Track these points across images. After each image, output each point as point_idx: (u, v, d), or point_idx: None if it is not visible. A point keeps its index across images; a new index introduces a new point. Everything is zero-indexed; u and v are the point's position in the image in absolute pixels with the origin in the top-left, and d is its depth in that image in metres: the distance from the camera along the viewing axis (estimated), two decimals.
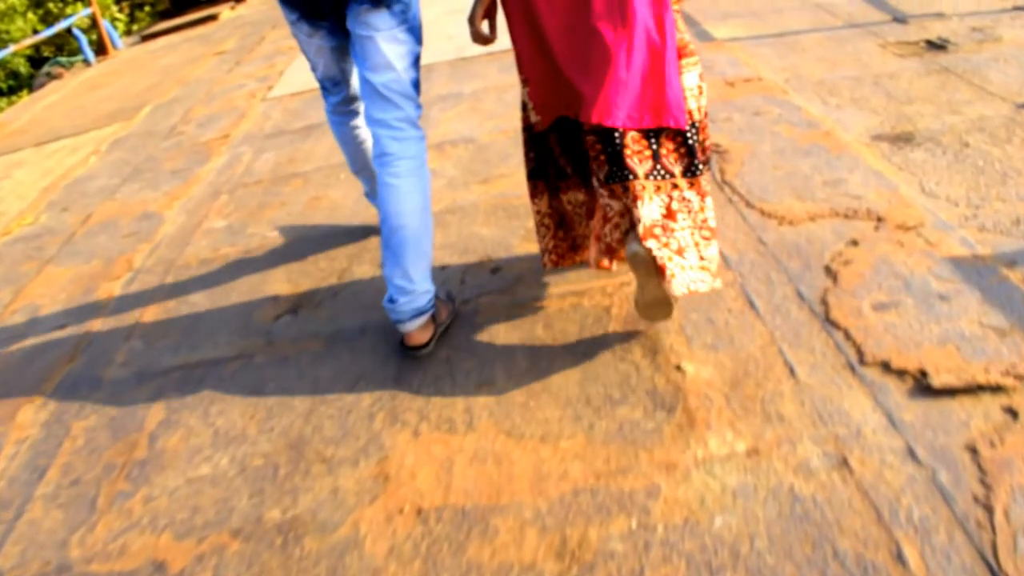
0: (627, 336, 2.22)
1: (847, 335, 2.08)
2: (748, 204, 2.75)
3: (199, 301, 2.90)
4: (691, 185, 1.98)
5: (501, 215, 3.00)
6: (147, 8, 11.49)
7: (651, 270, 1.91)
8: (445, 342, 2.35)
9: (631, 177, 1.91)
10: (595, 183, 2.01)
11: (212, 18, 9.34)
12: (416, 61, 2.21)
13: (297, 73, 5.72)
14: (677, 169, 1.97)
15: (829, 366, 1.99)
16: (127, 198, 4.07)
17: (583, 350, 2.20)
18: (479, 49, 5.13)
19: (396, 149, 2.18)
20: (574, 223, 2.31)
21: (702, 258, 1.99)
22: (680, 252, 1.95)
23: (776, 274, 2.37)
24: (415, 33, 2.19)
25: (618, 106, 1.86)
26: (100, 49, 9.41)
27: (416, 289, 2.20)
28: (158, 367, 2.56)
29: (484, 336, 2.34)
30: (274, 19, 8.36)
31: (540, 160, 2.21)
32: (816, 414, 1.85)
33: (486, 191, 3.21)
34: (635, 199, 1.91)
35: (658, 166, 1.95)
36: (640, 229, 1.89)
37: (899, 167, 2.85)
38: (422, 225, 2.20)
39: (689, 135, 1.96)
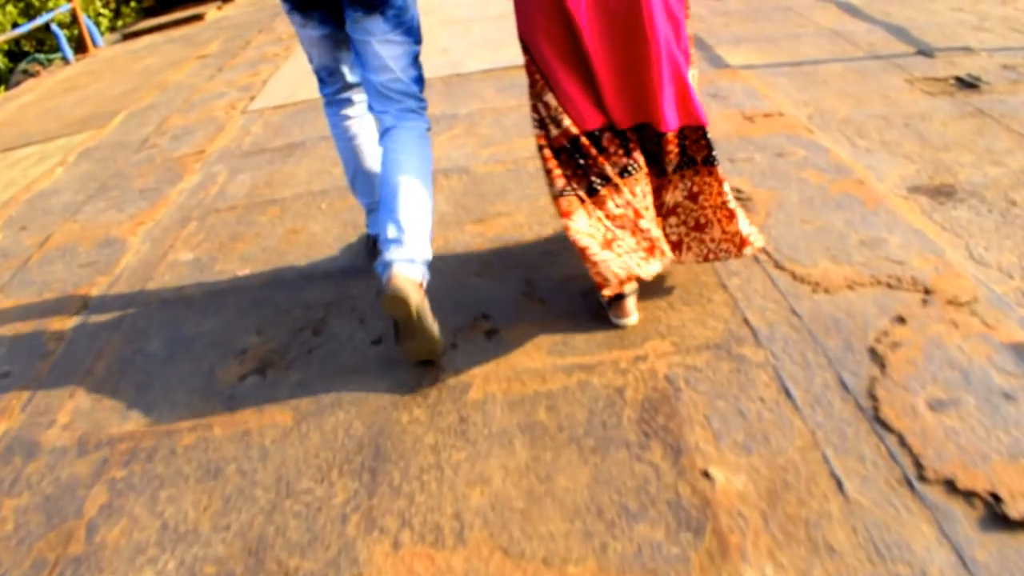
0: (644, 426, 1.91)
1: (901, 440, 1.78)
2: (777, 265, 2.45)
3: (157, 351, 2.57)
4: (709, 173, 2.20)
5: (498, 263, 2.68)
6: (132, 3, 11.10)
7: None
8: (433, 423, 2.03)
9: (664, 173, 2.21)
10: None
11: (197, 18, 8.98)
12: (415, 59, 2.29)
13: (281, 83, 5.39)
14: (699, 158, 2.21)
15: (883, 480, 1.69)
16: (90, 219, 3.73)
17: (593, 443, 1.89)
18: (475, 64, 4.84)
19: (397, 123, 2.28)
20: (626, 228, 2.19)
21: (725, 232, 2.22)
22: (700, 228, 2.25)
23: (814, 355, 2.06)
24: (413, 34, 2.24)
25: (669, 111, 2.08)
26: (80, 47, 9.03)
27: (410, 241, 2.09)
28: (104, 433, 2.23)
29: (478, 418, 2.03)
30: (261, 22, 8.03)
31: (574, 171, 2.12)
32: (872, 545, 1.55)
33: (481, 232, 2.89)
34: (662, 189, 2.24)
35: (684, 158, 2.20)
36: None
37: (942, 226, 2.56)
38: (423, 187, 2.18)
39: (708, 130, 2.17)
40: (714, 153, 2.18)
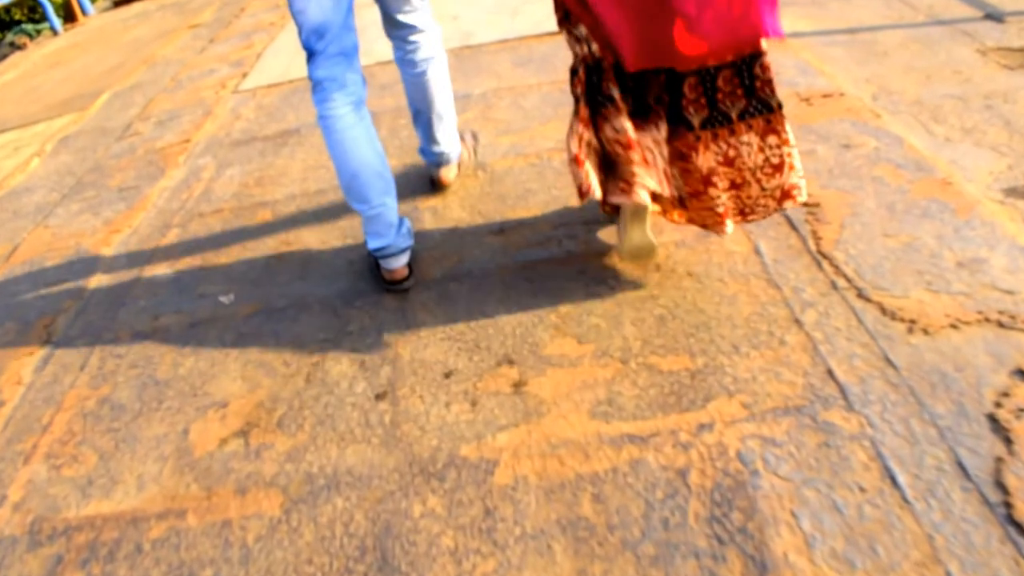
0: (717, 526, 1.51)
1: None
2: (861, 294, 2.02)
3: (126, 401, 2.18)
4: (749, 128, 1.91)
5: (524, 288, 2.27)
6: None
7: (643, 216, 2.05)
8: (451, 518, 1.64)
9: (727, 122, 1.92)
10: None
11: None
12: None
13: (276, 57, 4.92)
14: (733, 113, 1.91)
15: None
16: (62, 225, 3.32)
17: (653, 550, 1.50)
18: (489, 34, 4.36)
19: (413, 56, 2.51)
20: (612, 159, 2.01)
21: (763, 188, 1.98)
22: (736, 187, 1.99)
23: (920, 423, 1.65)
24: None
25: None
26: (69, 15, 8.54)
27: (443, 149, 2.79)
28: (60, 519, 1.85)
29: (507, 510, 1.63)
30: None
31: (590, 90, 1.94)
32: None
33: (503, 246, 2.47)
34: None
35: (715, 112, 1.91)
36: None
37: None
38: (443, 105, 2.64)
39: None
40: (760, 102, 1.88)
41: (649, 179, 1.94)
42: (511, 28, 4.48)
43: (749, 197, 1.99)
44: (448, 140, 2.72)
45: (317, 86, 2.20)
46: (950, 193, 2.39)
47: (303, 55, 4.76)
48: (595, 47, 1.88)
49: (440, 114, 2.62)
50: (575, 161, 1.95)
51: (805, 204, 2.42)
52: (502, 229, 2.60)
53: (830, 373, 1.82)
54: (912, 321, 1.93)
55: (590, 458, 1.71)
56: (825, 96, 3.10)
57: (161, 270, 2.81)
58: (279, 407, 2.05)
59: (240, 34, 5.78)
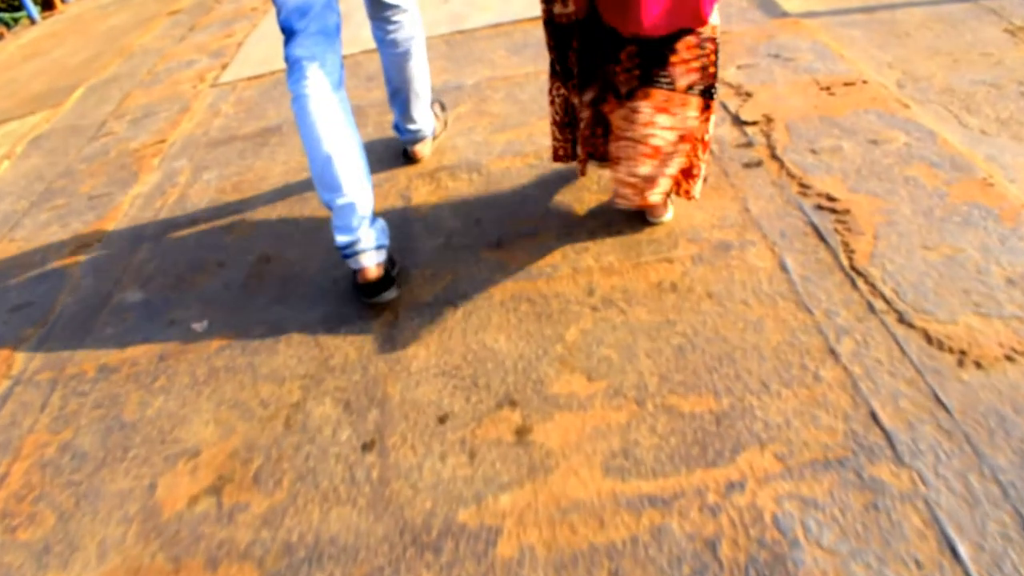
0: None
1: None
2: (903, 319, 1.80)
3: (88, 448, 1.97)
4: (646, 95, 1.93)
5: (526, 312, 2.04)
6: None
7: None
8: None
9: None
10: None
11: None
12: None
13: (257, 46, 4.66)
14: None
15: None
16: (28, 238, 3.10)
17: None
18: (482, 18, 4.11)
19: (393, 36, 2.52)
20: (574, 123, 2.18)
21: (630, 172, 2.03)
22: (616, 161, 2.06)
23: (979, 479, 1.44)
24: None
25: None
26: (47, 3, 8.23)
27: (419, 127, 2.82)
28: None
29: None
30: None
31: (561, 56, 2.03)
32: None
33: (501, 263, 2.24)
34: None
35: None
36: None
37: None
38: (421, 84, 2.68)
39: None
40: (661, 73, 1.88)
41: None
42: (505, 11, 4.22)
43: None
44: (424, 117, 2.79)
45: (294, 65, 2.06)
46: (992, 196, 2.15)
47: None
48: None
49: (418, 92, 2.67)
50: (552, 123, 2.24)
51: (834, 210, 2.19)
52: (500, 242, 2.37)
53: (874, 417, 1.60)
54: (962, 352, 1.71)
55: (605, 525, 1.49)
56: (847, 84, 2.86)
57: (131, 292, 2.58)
58: (255, 457, 1.83)
59: (221, 21, 5.51)
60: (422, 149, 2.90)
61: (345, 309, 2.24)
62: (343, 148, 2.03)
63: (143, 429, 2.02)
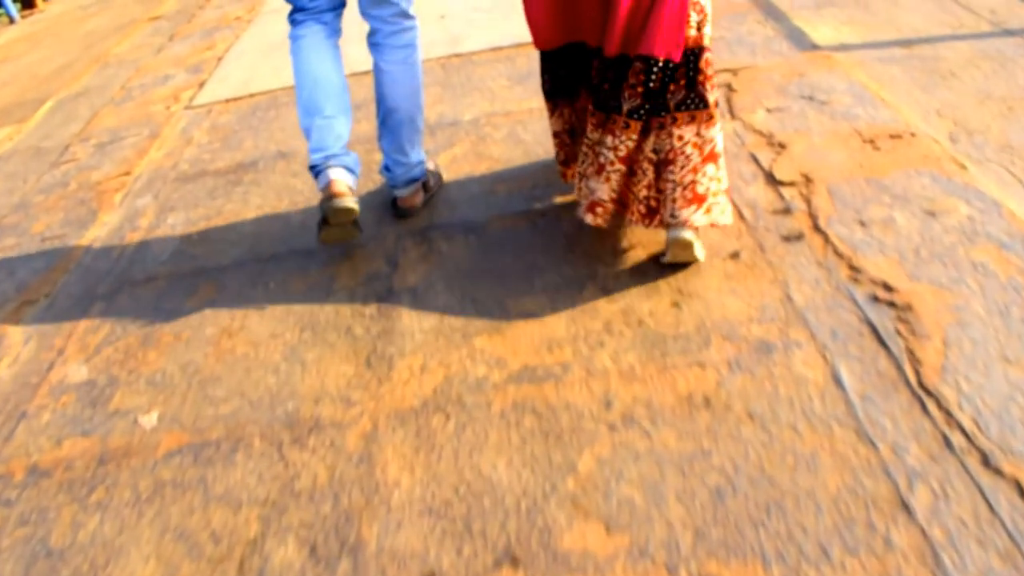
0: None
1: None
2: (988, 463, 1.48)
3: None
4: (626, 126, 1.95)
5: (531, 428, 1.71)
6: None
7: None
8: None
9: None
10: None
11: None
12: None
13: (238, 62, 4.31)
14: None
15: None
16: None
17: None
18: (480, 40, 3.77)
19: (391, 40, 2.30)
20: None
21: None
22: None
23: None
24: None
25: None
26: (28, 1, 7.86)
27: (410, 161, 2.46)
28: None
29: None
30: None
31: (554, 78, 2.15)
32: None
33: (501, 358, 1.91)
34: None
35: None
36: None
37: None
38: (415, 106, 2.39)
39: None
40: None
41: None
42: (506, 32, 3.87)
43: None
44: (417, 151, 2.48)
45: (293, 25, 2.33)
46: None
47: (268, 59, 4.16)
48: None
49: (412, 116, 2.41)
50: None
51: (893, 304, 1.85)
52: (500, 327, 2.03)
53: None
54: None
55: None
56: (893, 137, 2.52)
57: (74, 366, 2.24)
58: None
59: (202, 31, 5.15)
60: (413, 197, 2.56)
61: (317, 408, 1.90)
62: (330, 78, 2.25)
63: (72, 560, 1.68)
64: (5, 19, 7.80)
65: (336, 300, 2.26)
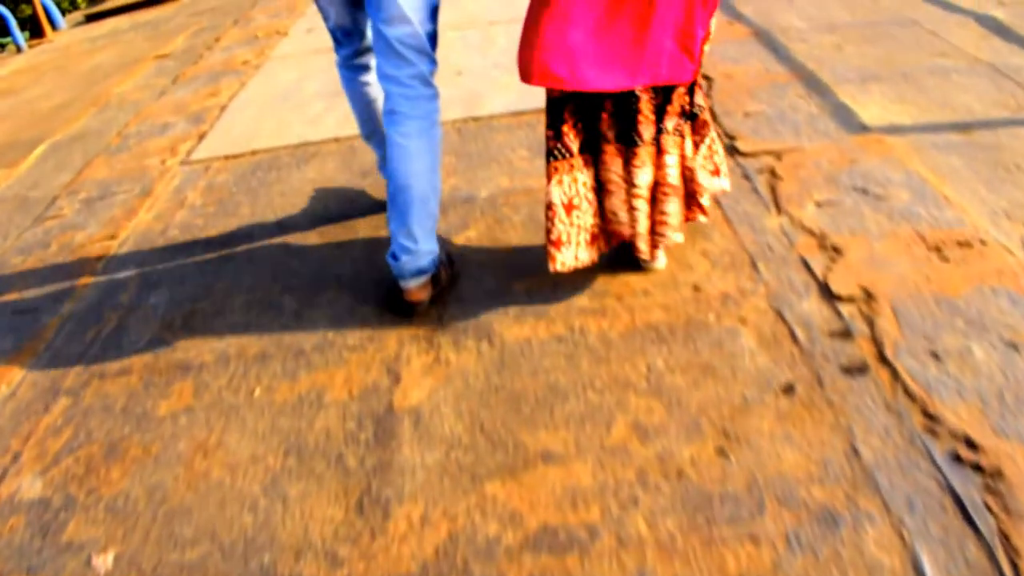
0: None
1: None
2: None
3: None
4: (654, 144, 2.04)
5: None
6: None
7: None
8: None
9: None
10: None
11: None
12: (434, 13, 2.06)
13: (242, 113, 4.06)
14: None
15: None
16: None
17: None
18: (500, 101, 3.52)
19: (407, 108, 2.09)
20: (581, 209, 2.12)
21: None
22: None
23: None
24: None
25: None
26: (36, 30, 7.69)
27: (420, 249, 2.18)
28: None
29: None
30: (240, 5, 6.67)
31: (558, 135, 2.04)
32: None
33: (515, 515, 1.62)
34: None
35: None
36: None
37: None
38: (429, 186, 2.15)
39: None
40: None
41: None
42: (527, 93, 3.61)
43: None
44: (428, 239, 2.19)
45: (340, 62, 2.47)
46: None
47: (272, 114, 3.92)
48: None
49: (425, 198, 2.14)
50: None
51: (978, 467, 1.56)
52: (512, 466, 1.74)
53: None
54: None
55: None
56: (961, 245, 2.24)
57: (28, 479, 1.97)
58: None
59: (208, 74, 4.92)
60: (420, 291, 2.27)
61: (298, 566, 1.61)
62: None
63: None
64: (12, 47, 7.64)
65: (327, 417, 1.98)
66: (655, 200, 2.11)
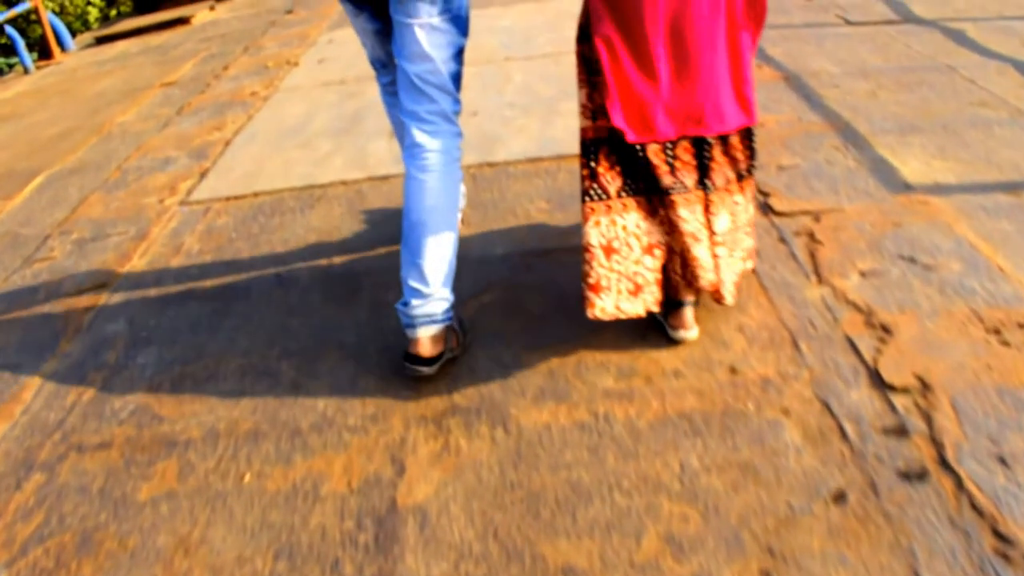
0: None
1: None
2: None
3: None
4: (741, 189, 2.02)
5: None
6: None
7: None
8: None
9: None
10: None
11: (183, 21, 7.49)
12: (458, 54, 2.05)
13: (247, 151, 3.89)
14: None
15: None
16: None
17: None
18: (517, 145, 3.33)
19: (425, 141, 2.04)
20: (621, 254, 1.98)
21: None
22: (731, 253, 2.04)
23: None
24: (459, 24, 2.02)
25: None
26: (45, 51, 7.59)
27: (431, 293, 2.01)
28: None
29: None
30: (251, 34, 6.55)
31: (593, 175, 1.95)
32: None
33: None
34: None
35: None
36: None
37: None
38: (445, 225, 2.03)
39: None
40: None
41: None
42: (546, 138, 3.44)
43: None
44: (442, 285, 2.04)
45: (381, 87, 2.48)
46: None
47: (277, 152, 3.75)
48: None
49: (439, 234, 2.02)
50: None
51: None
52: (532, 566, 1.52)
53: None
54: None
55: None
56: (1022, 327, 2.02)
57: None
58: None
59: (214, 105, 4.76)
60: (430, 345, 2.06)
61: None
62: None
63: None
64: (20, 68, 7.54)
65: (323, 513, 1.78)
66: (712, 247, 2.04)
